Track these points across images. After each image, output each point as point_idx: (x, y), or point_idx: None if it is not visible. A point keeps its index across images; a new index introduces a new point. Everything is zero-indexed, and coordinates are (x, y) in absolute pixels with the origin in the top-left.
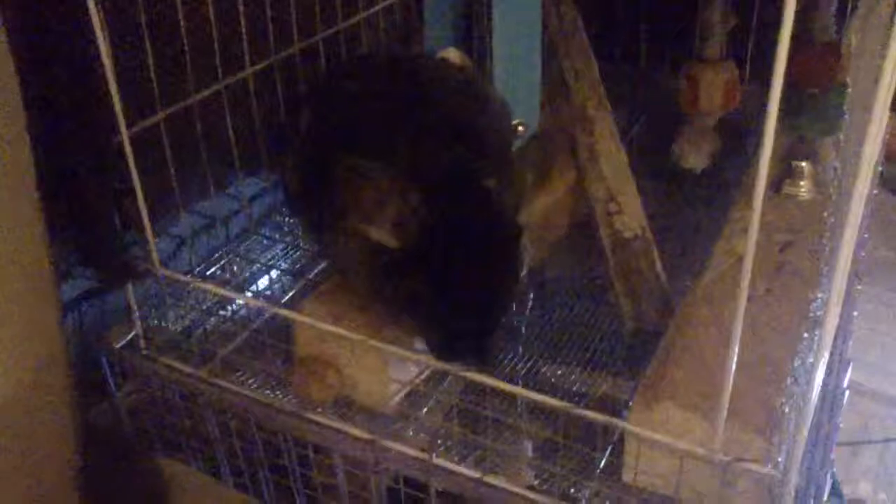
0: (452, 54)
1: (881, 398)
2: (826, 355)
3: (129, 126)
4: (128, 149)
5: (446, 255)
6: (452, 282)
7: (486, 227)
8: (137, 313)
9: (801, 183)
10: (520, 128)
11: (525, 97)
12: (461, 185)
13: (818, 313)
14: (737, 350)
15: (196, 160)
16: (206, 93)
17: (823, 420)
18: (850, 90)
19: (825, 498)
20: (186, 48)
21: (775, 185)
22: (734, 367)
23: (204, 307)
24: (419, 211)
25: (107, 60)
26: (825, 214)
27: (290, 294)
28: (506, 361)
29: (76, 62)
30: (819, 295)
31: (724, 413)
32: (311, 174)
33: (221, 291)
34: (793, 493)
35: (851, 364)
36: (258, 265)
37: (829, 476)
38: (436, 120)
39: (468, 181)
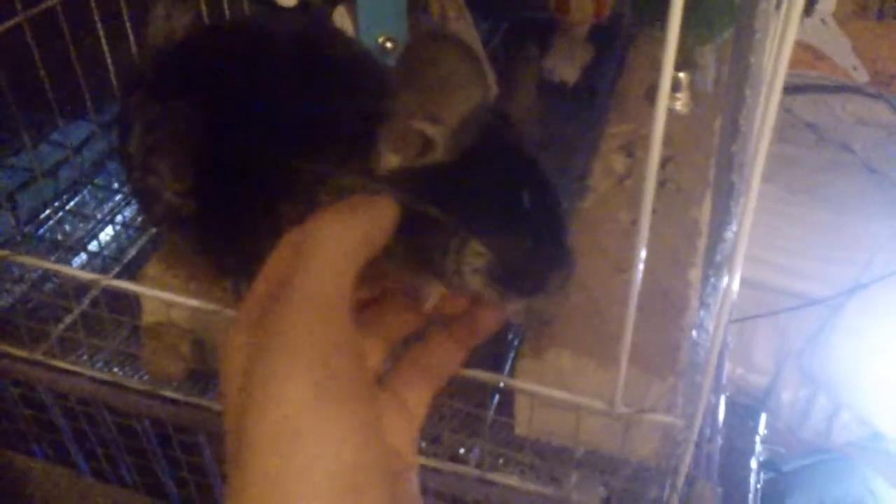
0: None
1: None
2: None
3: None
4: None
5: None
6: None
7: None
8: None
9: (679, 95)
10: (388, 44)
11: (390, 8)
12: None
13: (717, 258)
14: (637, 294)
15: (4, 106)
16: (5, 26)
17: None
18: None
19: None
20: None
21: (651, 96)
22: (633, 312)
23: (35, 276)
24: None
25: None
26: (714, 128)
27: (135, 250)
28: None
29: None
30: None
31: (625, 366)
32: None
33: (40, 263)
34: (696, 438)
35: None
36: (95, 220)
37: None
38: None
39: None
